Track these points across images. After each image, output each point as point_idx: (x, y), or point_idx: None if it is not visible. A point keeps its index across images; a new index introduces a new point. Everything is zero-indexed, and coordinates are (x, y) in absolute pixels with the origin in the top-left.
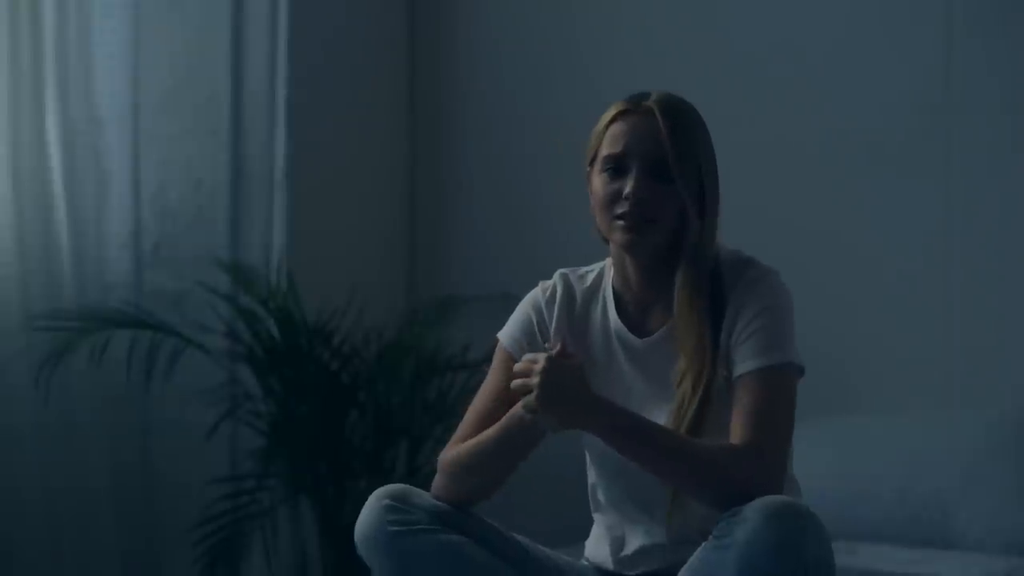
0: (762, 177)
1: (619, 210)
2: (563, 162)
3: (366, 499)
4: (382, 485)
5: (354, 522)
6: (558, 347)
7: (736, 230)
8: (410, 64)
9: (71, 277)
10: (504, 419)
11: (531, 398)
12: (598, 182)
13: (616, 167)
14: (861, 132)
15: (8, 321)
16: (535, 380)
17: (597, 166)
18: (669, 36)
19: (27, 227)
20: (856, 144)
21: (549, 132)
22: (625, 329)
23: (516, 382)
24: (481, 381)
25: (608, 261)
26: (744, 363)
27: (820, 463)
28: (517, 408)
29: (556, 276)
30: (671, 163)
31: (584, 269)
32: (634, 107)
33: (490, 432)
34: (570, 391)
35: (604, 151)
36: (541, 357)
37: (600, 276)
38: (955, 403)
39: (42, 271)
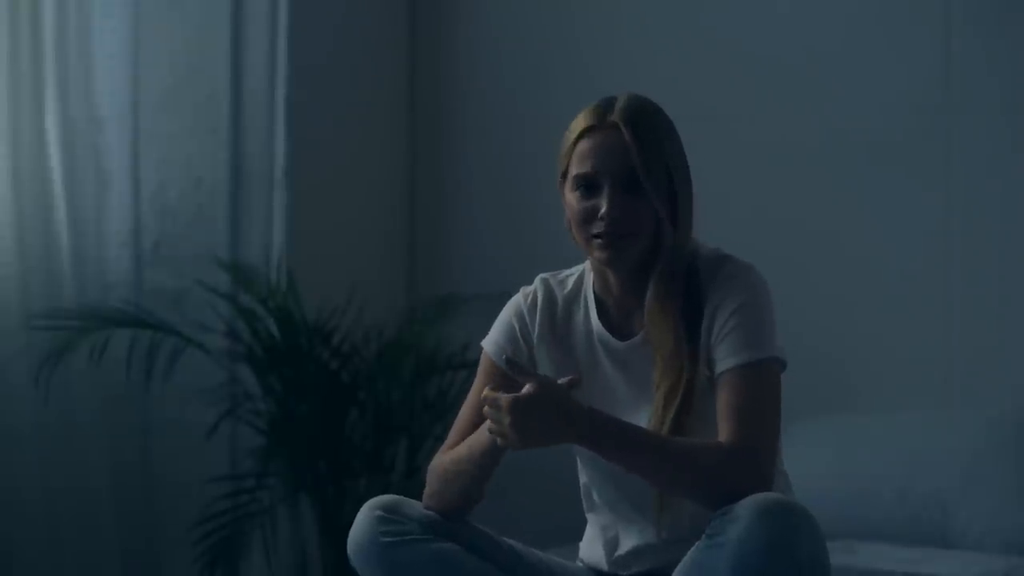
0: (762, 177)
1: (595, 229)
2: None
3: (366, 498)
4: (382, 484)
5: (354, 521)
6: (528, 385)
7: (736, 230)
8: (410, 64)
9: (71, 276)
10: (477, 432)
11: (508, 439)
12: (572, 199)
13: (588, 186)
14: (861, 132)
15: (8, 320)
16: (506, 421)
17: (569, 183)
18: (669, 36)
19: (27, 226)
20: (856, 144)
21: (549, 132)
22: (606, 332)
23: (490, 427)
24: None
25: (588, 264)
26: (725, 360)
27: (820, 462)
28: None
29: (537, 281)
30: (641, 176)
31: (564, 273)
32: (600, 123)
33: (467, 442)
34: (544, 421)
35: (575, 170)
36: (503, 399)
37: (580, 279)
38: (955, 403)
39: (42, 270)
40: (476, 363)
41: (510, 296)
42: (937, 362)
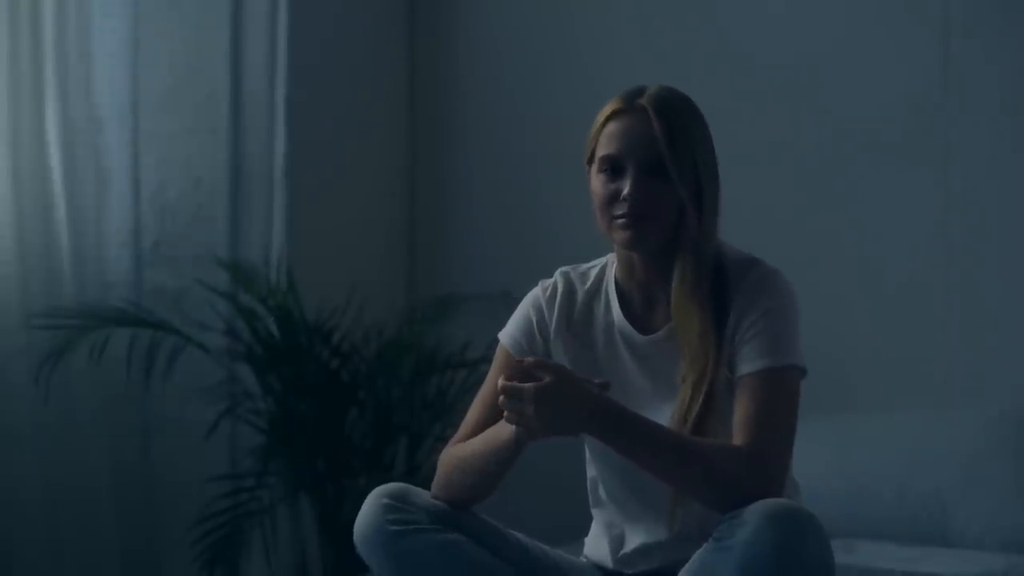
0: (761, 176)
1: (618, 211)
2: (563, 161)
3: (365, 497)
4: (381, 482)
5: (354, 520)
6: (545, 378)
7: (736, 229)
8: (410, 64)
9: (71, 275)
10: (495, 427)
11: (528, 425)
12: (597, 183)
13: (613, 168)
14: (860, 132)
15: (8, 319)
16: (529, 410)
17: (595, 166)
18: (669, 35)
19: (27, 226)
20: (855, 143)
21: (549, 132)
22: (628, 326)
23: (506, 415)
24: (480, 379)
25: (611, 257)
26: (747, 364)
27: (820, 461)
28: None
29: (557, 274)
30: (666, 161)
31: (585, 266)
32: (628, 106)
33: (484, 435)
34: (566, 408)
35: (601, 152)
36: (527, 387)
37: (602, 272)
38: (955, 402)
39: (42, 269)
40: (475, 362)
41: (510, 296)
42: (937, 362)
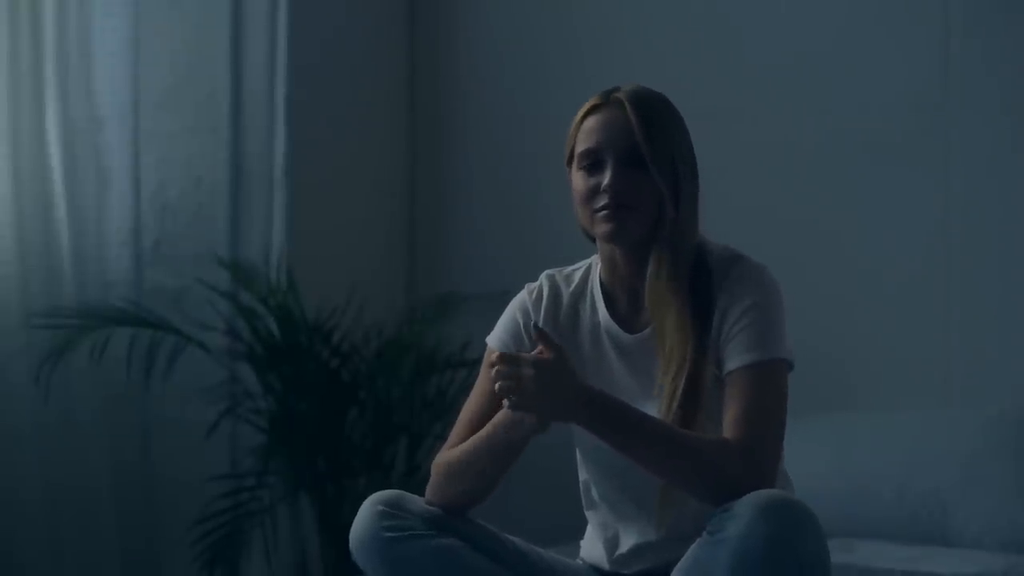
0: (761, 176)
1: (599, 203)
2: (563, 162)
3: (366, 497)
4: (382, 482)
5: (354, 520)
6: (539, 348)
7: (736, 228)
8: (410, 64)
9: (71, 275)
10: (490, 424)
11: (523, 392)
12: (577, 179)
13: (592, 162)
14: (860, 132)
15: (8, 319)
16: (528, 372)
17: (575, 164)
18: (669, 36)
19: (27, 225)
20: (855, 144)
21: (549, 131)
22: (615, 325)
23: (499, 385)
24: None
25: (595, 258)
26: (734, 359)
27: (819, 460)
28: (503, 413)
29: (542, 277)
30: (643, 151)
31: (570, 268)
32: (605, 101)
33: (477, 437)
34: (561, 387)
35: (579, 148)
36: (527, 355)
37: (587, 273)
38: (954, 401)
39: (42, 269)
40: (476, 362)
41: (510, 295)
42: (937, 361)
